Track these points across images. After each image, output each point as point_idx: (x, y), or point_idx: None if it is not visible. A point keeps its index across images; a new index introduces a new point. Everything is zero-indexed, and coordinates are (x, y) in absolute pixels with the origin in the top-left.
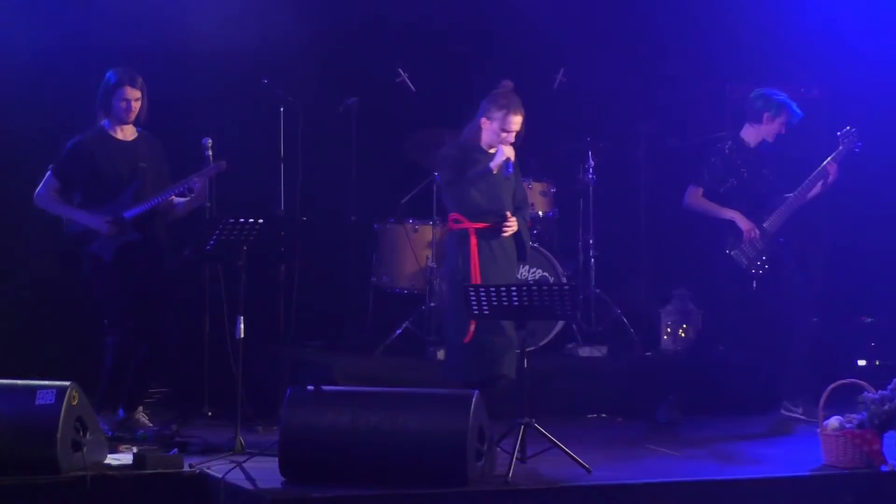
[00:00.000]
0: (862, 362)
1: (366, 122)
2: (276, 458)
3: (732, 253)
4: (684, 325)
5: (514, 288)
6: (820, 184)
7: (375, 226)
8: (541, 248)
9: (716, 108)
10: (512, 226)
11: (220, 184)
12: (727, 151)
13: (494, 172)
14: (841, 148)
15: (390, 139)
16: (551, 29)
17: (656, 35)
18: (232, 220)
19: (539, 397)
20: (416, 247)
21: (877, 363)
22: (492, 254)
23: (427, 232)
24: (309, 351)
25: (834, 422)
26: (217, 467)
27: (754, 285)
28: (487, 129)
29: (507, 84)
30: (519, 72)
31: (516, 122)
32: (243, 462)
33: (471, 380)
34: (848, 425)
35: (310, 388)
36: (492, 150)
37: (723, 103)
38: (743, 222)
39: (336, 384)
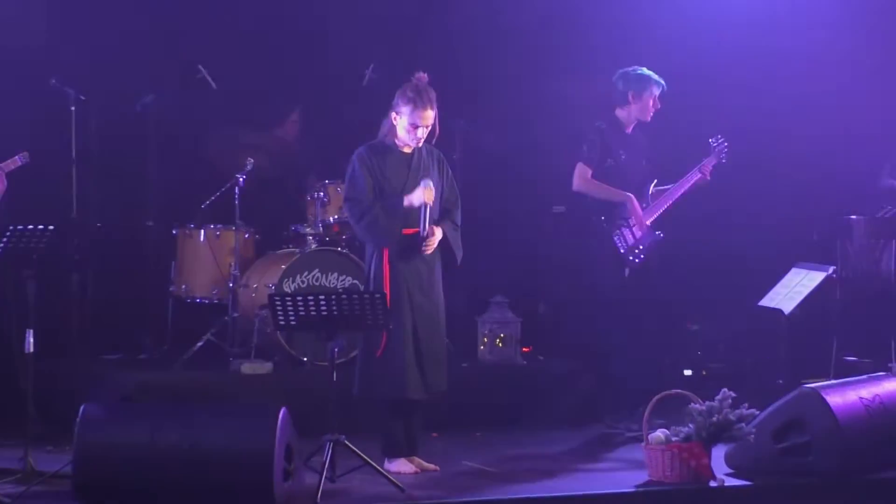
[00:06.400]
0: (688, 372)
1: (164, 121)
2: (70, 480)
3: (614, 236)
4: (501, 335)
5: (321, 296)
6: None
7: (174, 231)
8: (350, 255)
9: (536, 106)
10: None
11: (9, 189)
12: (604, 129)
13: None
14: (711, 156)
15: (191, 139)
16: (360, 26)
17: (469, 31)
18: (21, 227)
19: (350, 412)
20: (218, 254)
21: (703, 373)
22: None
23: (230, 238)
24: (104, 365)
25: (659, 435)
26: (6, 490)
27: (626, 273)
28: (398, 124)
29: (422, 77)
30: (328, 68)
31: (425, 117)
32: (34, 485)
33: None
34: (674, 438)
35: (105, 404)
36: (406, 150)
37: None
38: (634, 207)
39: (133, 400)
